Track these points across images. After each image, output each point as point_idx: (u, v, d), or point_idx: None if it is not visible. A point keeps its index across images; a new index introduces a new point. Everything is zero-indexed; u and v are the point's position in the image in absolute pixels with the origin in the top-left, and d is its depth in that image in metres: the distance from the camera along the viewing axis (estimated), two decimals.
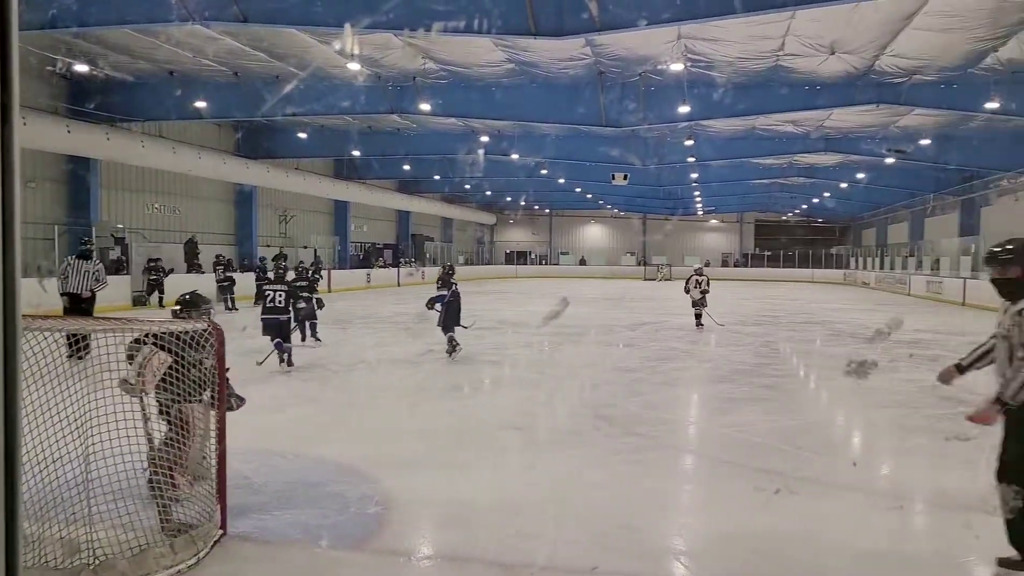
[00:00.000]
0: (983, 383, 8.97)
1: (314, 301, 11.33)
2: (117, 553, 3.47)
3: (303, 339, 11.48)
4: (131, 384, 4.02)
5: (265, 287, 9.71)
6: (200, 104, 17.83)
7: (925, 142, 23.07)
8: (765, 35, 13.79)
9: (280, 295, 9.22)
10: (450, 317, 10.21)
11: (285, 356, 9.12)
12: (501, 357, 11.05)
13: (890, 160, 24.74)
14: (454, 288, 10.31)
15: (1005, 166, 24.42)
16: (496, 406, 7.72)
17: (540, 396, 8.16)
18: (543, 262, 51.30)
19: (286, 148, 25.76)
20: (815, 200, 41.41)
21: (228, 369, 4.18)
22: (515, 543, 3.98)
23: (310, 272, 13.06)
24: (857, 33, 13.55)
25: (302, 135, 24.67)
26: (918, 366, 10.23)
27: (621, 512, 4.48)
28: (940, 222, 33.45)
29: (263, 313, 9.28)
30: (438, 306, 10.16)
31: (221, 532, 3.93)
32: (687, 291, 14.99)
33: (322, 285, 26.27)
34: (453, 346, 10.23)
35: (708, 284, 14.86)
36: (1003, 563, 3.57)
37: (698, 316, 14.82)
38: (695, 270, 15.26)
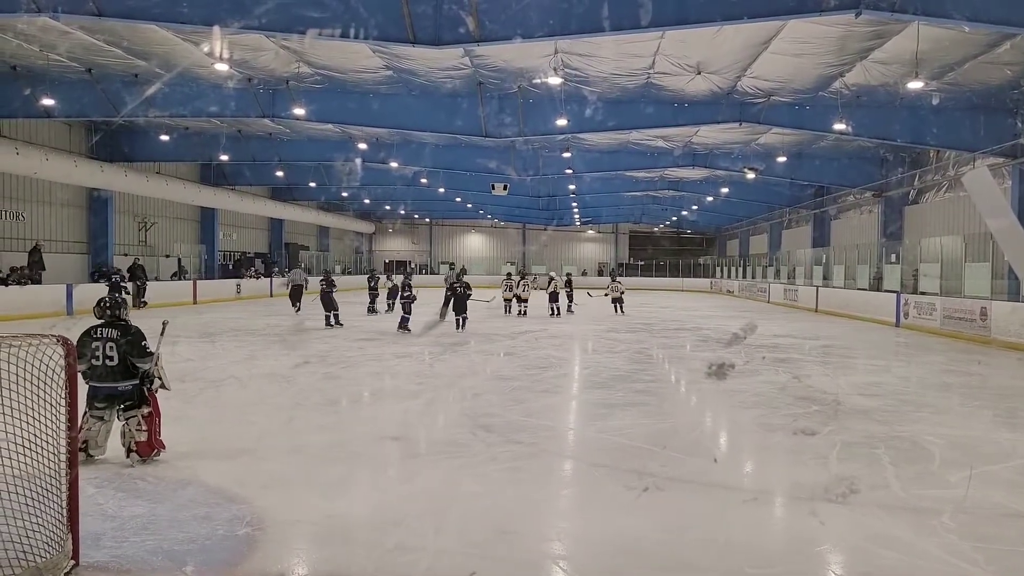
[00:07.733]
0: (833, 385, 9.64)
1: None
2: None
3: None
4: None
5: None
6: (48, 102, 16.49)
7: (781, 159, 24.81)
8: (636, 53, 14.39)
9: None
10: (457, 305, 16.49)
11: None
12: (381, 368, 10.87)
13: (750, 175, 26.36)
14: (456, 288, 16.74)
15: (850, 183, 26.66)
16: (374, 418, 7.57)
17: (419, 407, 8.08)
18: (423, 271, 51.01)
19: (147, 151, 24.19)
20: (684, 212, 43.51)
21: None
22: (394, 557, 3.92)
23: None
24: (720, 55, 14.40)
25: (165, 137, 23.28)
26: (777, 370, 10.93)
27: (500, 519, 4.51)
28: (795, 234, 35.98)
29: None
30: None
31: (73, 563, 3.64)
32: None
33: (187, 296, 25.09)
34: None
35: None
36: None
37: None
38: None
